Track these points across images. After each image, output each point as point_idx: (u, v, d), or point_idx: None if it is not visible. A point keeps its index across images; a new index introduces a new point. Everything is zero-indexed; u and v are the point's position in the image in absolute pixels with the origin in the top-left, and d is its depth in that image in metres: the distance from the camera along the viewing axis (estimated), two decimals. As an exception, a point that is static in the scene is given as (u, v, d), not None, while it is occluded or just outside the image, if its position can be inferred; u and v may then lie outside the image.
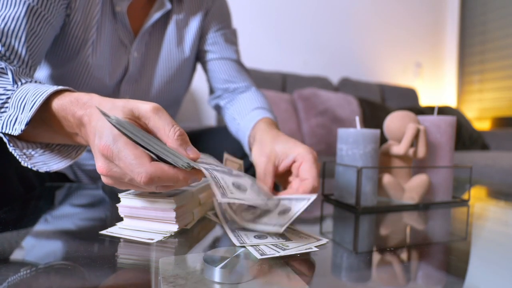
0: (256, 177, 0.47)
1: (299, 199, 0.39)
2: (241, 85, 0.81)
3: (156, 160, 0.33)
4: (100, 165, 0.34)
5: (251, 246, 0.35)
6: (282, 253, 0.33)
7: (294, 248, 0.35)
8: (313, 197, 0.38)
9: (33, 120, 0.42)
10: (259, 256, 0.32)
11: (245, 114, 0.73)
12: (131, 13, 0.70)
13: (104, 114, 0.32)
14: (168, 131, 0.35)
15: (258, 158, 0.49)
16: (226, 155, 0.51)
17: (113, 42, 0.69)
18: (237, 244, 0.36)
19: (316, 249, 0.35)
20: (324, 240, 0.38)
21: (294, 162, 0.47)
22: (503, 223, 0.54)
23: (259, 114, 0.69)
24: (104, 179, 0.36)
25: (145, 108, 0.35)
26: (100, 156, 0.34)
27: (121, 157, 0.32)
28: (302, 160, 0.46)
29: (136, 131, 0.32)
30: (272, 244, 0.36)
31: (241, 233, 0.39)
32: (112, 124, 0.31)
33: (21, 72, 0.51)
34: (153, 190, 0.35)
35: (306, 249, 0.35)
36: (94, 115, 0.37)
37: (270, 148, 0.50)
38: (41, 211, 0.51)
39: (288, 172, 0.50)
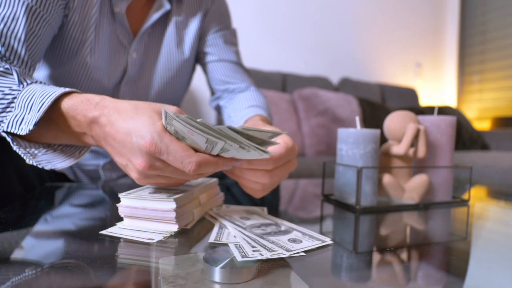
0: None
1: (314, 237, 0.39)
2: (240, 85, 0.82)
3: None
4: (141, 162, 0.37)
5: (233, 244, 0.35)
6: (265, 256, 0.32)
7: (276, 253, 0.33)
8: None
9: (40, 120, 0.43)
10: (239, 258, 0.30)
11: (240, 111, 0.74)
12: (130, 13, 0.70)
13: (170, 115, 0.34)
14: None
15: None
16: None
17: (112, 43, 0.69)
18: (211, 240, 0.37)
19: (303, 254, 0.34)
20: (315, 246, 0.36)
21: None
22: (503, 223, 0.54)
23: (251, 112, 0.70)
24: (134, 175, 0.39)
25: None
26: (142, 154, 0.36)
27: (170, 151, 0.36)
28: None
29: (194, 120, 0.34)
30: (258, 245, 0.35)
31: (227, 231, 0.40)
32: (181, 120, 0.34)
33: (22, 72, 0.52)
34: (192, 179, 0.41)
35: (291, 254, 0.33)
36: (113, 116, 0.39)
37: None
38: (41, 211, 0.51)
39: None
